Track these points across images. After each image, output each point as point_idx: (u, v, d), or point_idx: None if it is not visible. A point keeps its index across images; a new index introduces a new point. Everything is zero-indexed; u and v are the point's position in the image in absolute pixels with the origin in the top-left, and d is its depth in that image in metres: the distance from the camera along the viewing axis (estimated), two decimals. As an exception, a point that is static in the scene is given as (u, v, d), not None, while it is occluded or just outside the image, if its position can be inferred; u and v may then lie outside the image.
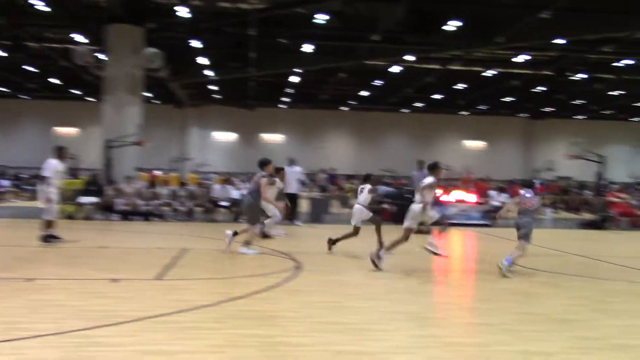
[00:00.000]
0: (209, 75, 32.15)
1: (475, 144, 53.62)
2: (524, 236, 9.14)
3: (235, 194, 18.72)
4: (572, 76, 33.86)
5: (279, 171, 13.73)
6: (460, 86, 38.34)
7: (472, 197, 19.75)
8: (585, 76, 33.58)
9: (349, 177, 45.67)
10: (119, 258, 9.90)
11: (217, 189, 18.84)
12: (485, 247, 13.77)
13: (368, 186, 11.19)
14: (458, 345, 5.22)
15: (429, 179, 9.47)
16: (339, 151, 51.09)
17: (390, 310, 6.45)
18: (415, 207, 9.36)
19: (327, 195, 24.54)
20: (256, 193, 11.09)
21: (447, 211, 18.70)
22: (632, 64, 30.68)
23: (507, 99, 43.90)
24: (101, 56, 22.09)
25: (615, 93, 39.89)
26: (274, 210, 12.37)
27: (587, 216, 20.42)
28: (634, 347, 5.26)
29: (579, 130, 47.45)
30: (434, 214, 9.56)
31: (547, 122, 52.56)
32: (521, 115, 52.51)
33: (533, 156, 52.55)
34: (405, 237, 9.39)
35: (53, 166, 11.36)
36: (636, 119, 52.61)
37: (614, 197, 19.93)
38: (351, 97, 45.63)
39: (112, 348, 4.78)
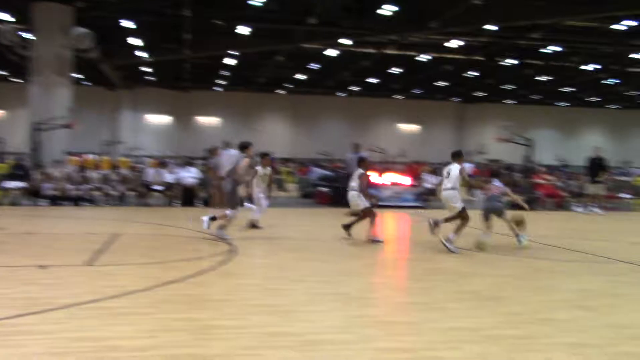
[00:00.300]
0: (142, 57, 31.36)
1: (409, 127, 54.50)
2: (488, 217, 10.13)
3: (169, 177, 18.43)
4: (502, 61, 34.80)
5: (265, 156, 13.17)
6: (395, 70, 38.80)
7: (406, 180, 20.09)
8: (514, 62, 34.57)
9: (286, 161, 45.70)
10: (47, 244, 9.60)
11: (150, 173, 18.49)
12: (419, 229, 14.05)
13: (360, 171, 10.80)
14: (389, 324, 5.34)
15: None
16: (276, 134, 50.94)
17: (322, 292, 6.52)
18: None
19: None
20: (236, 176, 10.51)
21: (382, 194, 18.98)
22: (559, 51, 31.78)
23: (441, 84, 44.76)
24: (28, 36, 21.22)
25: (543, 78, 41.27)
26: (259, 198, 12.27)
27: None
28: (557, 320, 5.50)
29: (508, 114, 48.96)
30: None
31: (478, 106, 53.92)
32: (454, 99, 53.67)
33: (465, 139, 53.85)
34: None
35: None
36: (562, 104, 54.62)
37: (540, 179, 20.67)
38: (288, 81, 45.50)
39: (40, 336, 4.66)
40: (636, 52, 31.92)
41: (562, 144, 52.71)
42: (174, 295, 6.14)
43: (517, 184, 21.37)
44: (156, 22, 26.90)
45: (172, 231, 11.71)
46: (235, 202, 10.46)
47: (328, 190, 19.45)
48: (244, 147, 10.68)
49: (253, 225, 12.25)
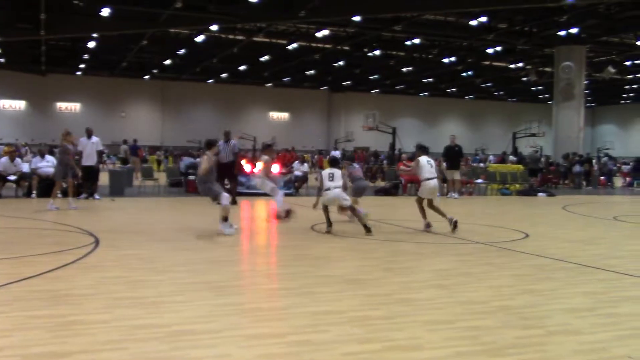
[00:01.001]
0: (-8, 37, 29.10)
1: (280, 115, 54.86)
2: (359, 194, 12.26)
3: (25, 167, 17.30)
4: (368, 52, 35.92)
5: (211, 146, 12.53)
6: (265, 58, 38.85)
7: (275, 167, 20.20)
8: (379, 52, 35.80)
9: (154, 149, 44.41)
10: None
11: (3, 162, 17.23)
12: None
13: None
14: (257, 311, 5.39)
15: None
16: (143, 121, 49.33)
17: (188, 282, 6.44)
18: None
19: (129, 167, 23.58)
20: (204, 172, 10.16)
21: (251, 182, 18.98)
22: (420, 43, 33.33)
23: (310, 72, 45.42)
24: None
25: (406, 70, 43.10)
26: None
27: (381, 183, 22.01)
28: (415, 300, 5.82)
29: (374, 103, 50.67)
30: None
31: (346, 95, 55.36)
32: (323, 88, 54.67)
33: (334, 127, 55.13)
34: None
35: None
36: (424, 94, 57.37)
37: (403, 166, 21.56)
38: (155, 66, 44.13)
39: None
40: (489, 47, 34.18)
41: (424, 132, 55.48)
42: (31, 291, 5.81)
43: (383, 170, 22.22)
44: (8, -1, 25.05)
45: (29, 224, 11.02)
46: (215, 192, 10.11)
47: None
48: (210, 144, 10.58)
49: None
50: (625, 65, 39.04)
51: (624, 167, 36.09)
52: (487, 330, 4.87)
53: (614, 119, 62.81)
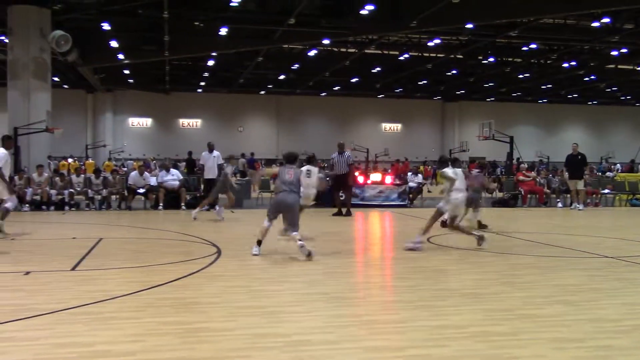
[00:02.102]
0: (121, 59, 31.20)
1: (392, 126, 54.67)
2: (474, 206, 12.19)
3: (152, 180, 18.36)
4: (482, 59, 35.06)
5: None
6: (376, 69, 38.93)
7: (389, 179, 20.18)
8: (493, 59, 34.84)
9: (270, 161, 45.67)
10: (31, 250, 9.53)
11: (133, 176, 18.40)
12: (402, 227, 14.14)
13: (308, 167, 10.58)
14: (374, 323, 5.38)
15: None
16: (259, 135, 50.84)
17: (306, 292, 6.55)
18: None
19: (247, 179, 24.40)
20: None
21: (366, 193, 19.07)
22: (537, 48, 32.09)
23: (422, 82, 44.96)
24: (4, 39, 21.01)
25: (522, 76, 41.63)
26: None
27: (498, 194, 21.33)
28: (539, 316, 5.58)
29: (489, 111, 49.32)
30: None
31: (459, 104, 54.26)
32: (435, 98, 53.92)
33: (447, 137, 54.15)
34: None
35: (3, 156, 10.73)
36: (542, 101, 55.11)
37: (522, 176, 20.83)
38: (269, 81, 45.45)
39: (25, 342, 4.63)
40: (613, 49, 32.34)
41: (544, 140, 53.25)
42: (161, 298, 6.14)
43: (500, 181, 21.56)
44: (135, 23, 26.77)
45: (156, 234, 11.68)
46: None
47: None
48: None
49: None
50: None
51: None
52: (621, 350, 4.58)
53: None
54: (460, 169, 10.34)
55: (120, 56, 30.45)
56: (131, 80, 42.54)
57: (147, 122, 49.93)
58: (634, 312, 5.76)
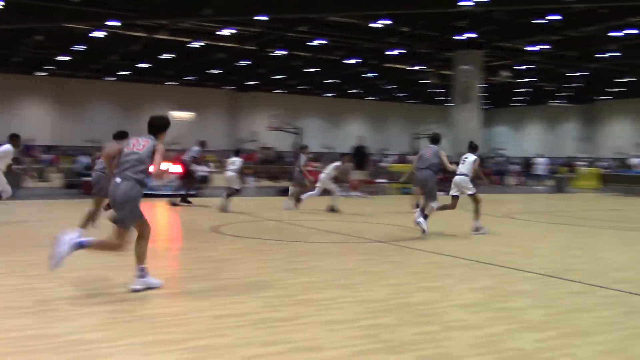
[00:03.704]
0: None
1: (183, 115, 53.76)
2: None
3: None
4: (272, 52, 35.85)
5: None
6: (167, 56, 37.98)
7: (177, 168, 19.74)
8: (284, 52, 35.79)
9: (49, 148, 42.39)
10: None
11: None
12: (190, 217, 13.96)
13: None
14: (155, 317, 5.23)
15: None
16: (37, 120, 46.93)
17: (84, 288, 6.18)
18: None
19: (21, 168, 22.32)
20: None
21: (153, 182, 18.47)
22: (324, 44, 33.58)
23: (214, 71, 44.82)
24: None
25: (311, 70, 43.39)
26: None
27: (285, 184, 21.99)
28: (316, 300, 5.84)
29: (279, 103, 50.75)
30: None
31: (250, 94, 55.05)
32: (227, 87, 54.13)
33: (238, 127, 54.69)
34: None
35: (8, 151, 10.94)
36: (328, 94, 58.03)
37: (309, 166, 21.64)
38: (49, 62, 42.11)
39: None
40: (392, 49, 34.98)
41: (329, 132, 56.13)
42: None
43: (287, 171, 22.21)
44: None
45: None
46: None
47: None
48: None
49: None
50: (518, 70, 41.03)
51: (512, 166, 37.75)
52: (386, 328, 4.96)
53: (507, 121, 65.92)
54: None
55: None
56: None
57: None
58: (399, 292, 6.29)
